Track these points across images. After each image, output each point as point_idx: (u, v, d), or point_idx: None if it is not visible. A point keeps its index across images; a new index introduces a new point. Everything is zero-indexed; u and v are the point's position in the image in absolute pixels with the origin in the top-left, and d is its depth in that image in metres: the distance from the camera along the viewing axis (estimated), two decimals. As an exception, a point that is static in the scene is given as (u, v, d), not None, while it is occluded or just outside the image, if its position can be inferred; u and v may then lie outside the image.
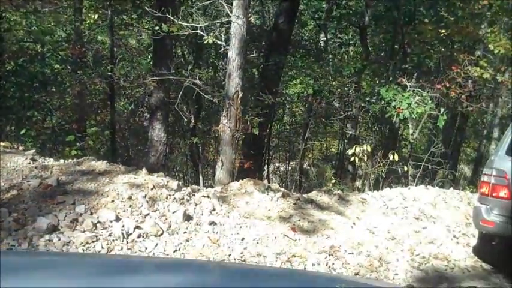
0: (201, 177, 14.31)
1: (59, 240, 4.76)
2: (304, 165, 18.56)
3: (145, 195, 5.85)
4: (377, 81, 13.75)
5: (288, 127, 20.63)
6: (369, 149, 9.75)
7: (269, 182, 8.64)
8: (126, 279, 2.13)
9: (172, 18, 8.32)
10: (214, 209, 6.21)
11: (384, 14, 16.91)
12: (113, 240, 4.96)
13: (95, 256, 3.26)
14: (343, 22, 17.14)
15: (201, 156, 15.62)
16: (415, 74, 14.84)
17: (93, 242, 4.85)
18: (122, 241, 4.99)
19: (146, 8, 10.90)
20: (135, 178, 6.22)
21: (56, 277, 2.05)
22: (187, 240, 5.39)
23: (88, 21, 13.21)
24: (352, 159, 10.01)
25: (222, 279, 2.42)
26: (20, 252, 3.93)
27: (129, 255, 4.56)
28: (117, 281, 2.06)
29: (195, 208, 6.09)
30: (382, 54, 18.97)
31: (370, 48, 16.87)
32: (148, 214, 5.54)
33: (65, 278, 2.05)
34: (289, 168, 19.24)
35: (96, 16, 12.92)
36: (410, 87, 10.82)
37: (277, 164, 21.56)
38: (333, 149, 23.40)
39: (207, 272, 2.56)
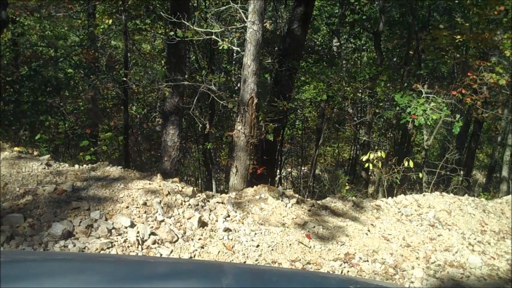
0: (213, 182, 14.32)
1: (74, 246, 4.74)
2: (317, 171, 18.52)
3: (160, 202, 5.84)
4: (391, 87, 13.70)
5: (300, 132, 20.62)
6: (383, 155, 9.72)
7: (282, 188, 8.59)
8: (136, 280, 2.11)
9: (187, 23, 8.31)
10: (228, 215, 6.18)
11: (398, 20, 16.89)
12: (128, 247, 4.94)
13: (99, 257, 3.24)
14: (356, 27, 17.11)
15: (214, 161, 15.64)
16: (429, 80, 14.80)
17: (108, 248, 4.83)
18: (137, 247, 4.97)
19: (161, 13, 10.92)
20: (149, 184, 6.20)
21: (60, 278, 2.03)
22: (202, 247, 5.36)
23: (102, 26, 13.25)
24: (366, 165, 9.98)
25: (235, 280, 2.41)
26: (25, 252, 3.92)
27: (137, 256, 4.54)
28: (125, 283, 2.04)
29: (209, 214, 6.07)
30: (396, 60, 18.95)
31: (383, 54, 16.82)
32: (163, 220, 5.52)
33: (70, 278, 2.04)
34: (302, 173, 19.21)
35: (110, 21, 12.96)
36: (425, 94, 10.78)
37: (289, 170, 21.55)
38: (345, 155, 23.37)
39: (220, 273, 2.55)
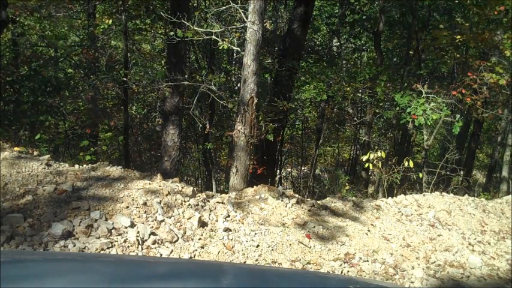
0: (213, 182, 14.31)
1: (74, 246, 4.74)
2: (317, 171, 18.53)
3: (160, 201, 5.83)
4: (391, 87, 13.70)
5: (300, 132, 20.64)
6: (383, 155, 9.72)
7: (282, 188, 8.59)
8: (136, 280, 2.11)
9: (187, 23, 8.31)
10: (228, 215, 6.18)
11: (398, 20, 16.88)
12: (128, 247, 4.94)
13: (99, 257, 3.24)
14: (356, 27, 17.11)
15: (214, 161, 15.64)
16: (429, 80, 14.80)
17: (108, 248, 4.82)
18: (137, 247, 4.97)
19: (161, 13, 10.92)
20: (149, 184, 6.20)
21: (60, 278, 2.03)
22: (202, 247, 5.36)
23: (102, 26, 13.25)
24: (366, 165, 9.98)
25: (235, 280, 2.40)
26: (25, 252, 3.92)
27: (137, 256, 4.53)
28: (125, 283, 2.03)
29: (209, 214, 6.06)
30: (396, 59, 18.96)
31: (383, 54, 16.82)
32: (163, 220, 5.52)
33: (70, 278, 2.04)
34: (302, 173, 19.21)
35: (110, 21, 12.96)
36: (425, 94, 10.77)
37: (289, 170, 21.55)
38: (345, 155, 23.38)
39: (220, 273, 2.55)
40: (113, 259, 3.15)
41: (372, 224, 7.23)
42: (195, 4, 13.98)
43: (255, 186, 7.37)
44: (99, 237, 4.96)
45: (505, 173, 18.50)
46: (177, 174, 10.18)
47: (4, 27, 8.86)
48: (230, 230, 5.81)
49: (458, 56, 14.06)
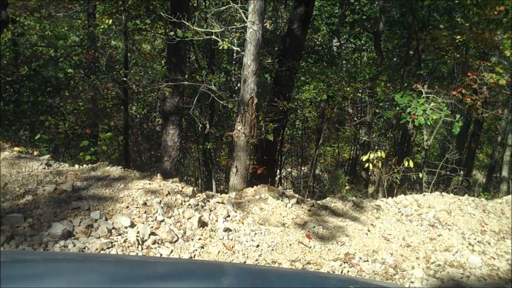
0: (213, 182, 14.31)
1: (74, 246, 4.73)
2: (317, 171, 18.51)
3: (160, 201, 5.83)
4: (391, 87, 13.70)
5: (300, 132, 20.62)
6: (383, 155, 9.72)
7: (282, 188, 8.58)
8: (136, 280, 2.11)
9: (187, 23, 8.31)
10: (228, 215, 6.18)
11: (398, 20, 16.88)
12: (128, 247, 4.94)
13: (99, 257, 3.23)
14: (356, 27, 17.10)
15: (214, 161, 15.63)
16: (429, 80, 14.80)
17: (108, 248, 4.82)
18: (137, 247, 4.97)
19: (161, 13, 10.92)
20: (149, 184, 6.20)
21: (60, 278, 2.03)
22: (202, 247, 5.36)
23: (102, 26, 13.25)
24: (366, 165, 9.98)
25: (235, 280, 2.40)
26: (25, 252, 3.92)
27: (137, 256, 4.53)
28: (126, 283, 2.03)
29: (209, 214, 6.06)
30: (396, 59, 18.96)
31: (383, 54, 16.81)
32: (163, 220, 5.52)
33: (70, 278, 2.04)
34: (302, 173, 19.20)
35: (110, 21, 12.95)
36: (425, 94, 10.77)
37: (289, 170, 21.54)
38: (345, 155, 23.36)
39: (220, 273, 2.55)
40: (113, 259, 3.15)
41: (372, 224, 7.23)
42: (195, 4, 13.97)
43: (255, 186, 7.37)
44: (99, 237, 4.96)
45: (505, 173, 18.50)
46: (177, 174, 10.17)
47: (4, 27, 8.85)
48: (230, 230, 5.81)
49: (458, 56, 14.04)
